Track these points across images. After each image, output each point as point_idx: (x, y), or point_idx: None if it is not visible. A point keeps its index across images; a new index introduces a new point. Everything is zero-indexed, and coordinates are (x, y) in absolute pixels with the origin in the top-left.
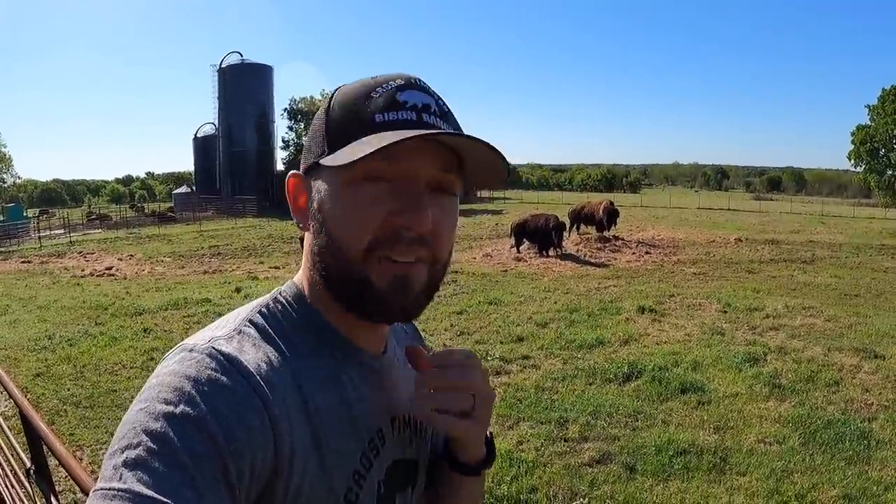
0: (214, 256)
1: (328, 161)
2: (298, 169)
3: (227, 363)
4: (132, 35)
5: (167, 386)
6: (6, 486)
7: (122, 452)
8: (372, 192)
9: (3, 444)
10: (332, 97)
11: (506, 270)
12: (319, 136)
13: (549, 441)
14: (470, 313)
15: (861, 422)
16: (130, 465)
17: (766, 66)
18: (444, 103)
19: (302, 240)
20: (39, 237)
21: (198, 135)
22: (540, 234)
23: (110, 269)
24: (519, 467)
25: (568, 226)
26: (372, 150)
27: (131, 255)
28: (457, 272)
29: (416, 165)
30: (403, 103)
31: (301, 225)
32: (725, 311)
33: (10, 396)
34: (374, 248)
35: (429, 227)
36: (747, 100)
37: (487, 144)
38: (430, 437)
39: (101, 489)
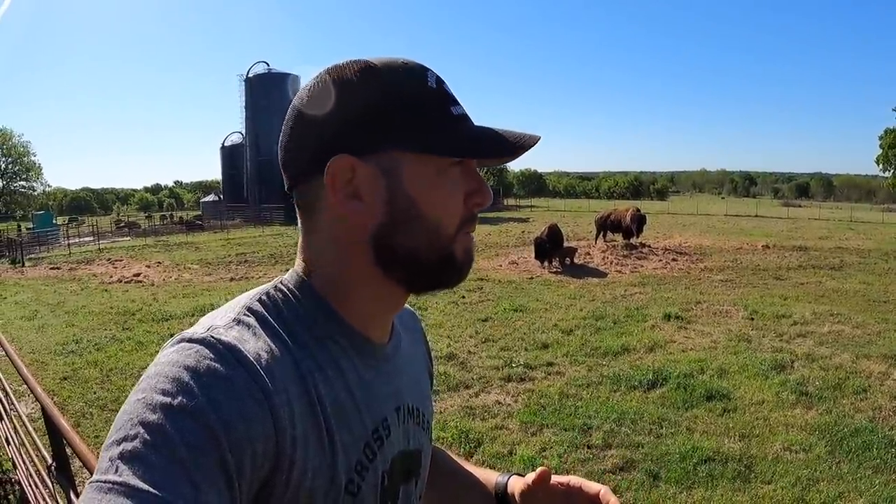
0: (241, 264)
1: (453, 150)
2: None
3: (227, 353)
4: (162, 45)
5: (165, 376)
6: (30, 483)
7: (119, 444)
8: (456, 174)
9: (27, 444)
10: (370, 70)
11: (531, 278)
12: (400, 112)
13: (573, 448)
14: (495, 320)
15: (889, 430)
16: (127, 457)
17: (794, 71)
18: None
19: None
20: (69, 244)
21: (225, 144)
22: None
23: (138, 275)
24: None
25: (595, 233)
26: (523, 150)
27: (159, 263)
28: (482, 279)
29: None
30: (454, 96)
31: (349, 210)
32: (752, 318)
33: (34, 394)
34: (461, 227)
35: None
36: (774, 106)
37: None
38: (430, 428)
39: (97, 481)
